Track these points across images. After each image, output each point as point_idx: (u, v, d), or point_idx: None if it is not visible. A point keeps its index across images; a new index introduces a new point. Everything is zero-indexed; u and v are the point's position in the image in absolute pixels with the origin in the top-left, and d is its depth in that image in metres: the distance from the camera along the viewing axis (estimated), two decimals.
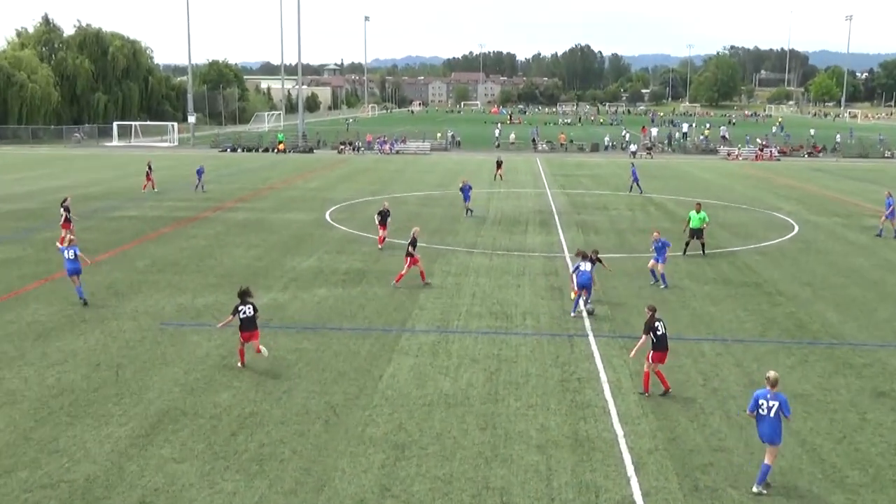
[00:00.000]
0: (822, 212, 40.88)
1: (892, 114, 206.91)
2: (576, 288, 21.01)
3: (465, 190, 37.92)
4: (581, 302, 21.08)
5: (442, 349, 18.01)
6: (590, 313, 20.84)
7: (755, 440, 13.40)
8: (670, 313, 20.81)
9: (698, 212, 28.31)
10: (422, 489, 11.63)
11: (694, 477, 12.13)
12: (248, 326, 16.37)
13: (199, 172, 46.81)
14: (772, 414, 11.62)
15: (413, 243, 23.68)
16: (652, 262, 24.33)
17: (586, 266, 20.71)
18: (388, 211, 29.73)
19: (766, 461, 11.71)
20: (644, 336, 15.49)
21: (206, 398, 14.97)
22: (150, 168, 46.93)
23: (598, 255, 22.18)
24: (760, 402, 11.70)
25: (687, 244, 28.33)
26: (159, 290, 23.10)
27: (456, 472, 12.17)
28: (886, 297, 23.26)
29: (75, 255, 21.38)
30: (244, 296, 16.54)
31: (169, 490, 11.50)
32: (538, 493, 11.57)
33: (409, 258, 23.64)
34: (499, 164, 54.55)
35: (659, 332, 15.27)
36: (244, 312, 16.36)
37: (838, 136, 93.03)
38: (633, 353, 16.07)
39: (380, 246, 29.45)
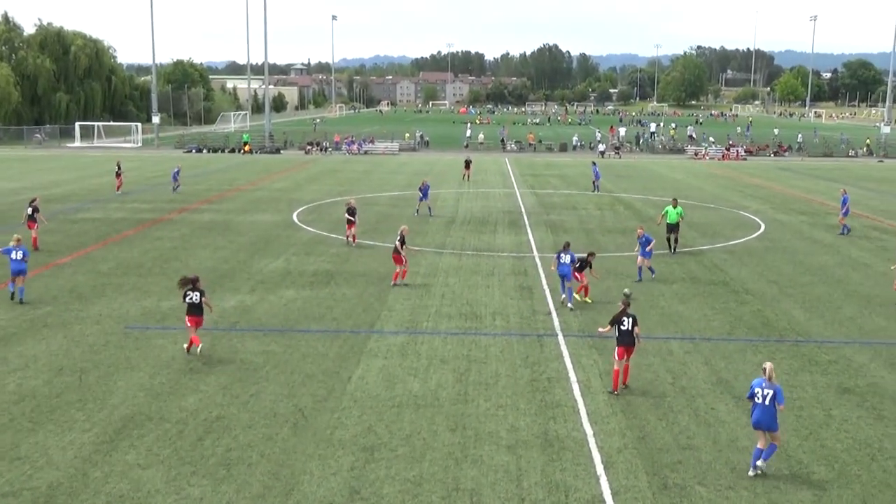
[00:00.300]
0: (788, 210, 41.38)
1: (855, 114, 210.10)
2: (571, 280, 21.79)
3: (425, 190, 38.31)
4: (571, 295, 21.74)
5: (411, 350, 17.93)
6: (564, 304, 21.37)
7: (723, 438, 13.52)
8: (639, 312, 20.80)
9: (675, 207, 28.83)
10: (391, 491, 11.55)
11: (663, 475, 12.16)
12: (195, 312, 17.22)
13: (175, 174, 46.58)
14: (766, 402, 12.10)
15: (402, 241, 23.65)
16: (640, 258, 24.68)
17: (566, 258, 21.35)
18: (354, 208, 30.06)
19: (759, 445, 12.23)
20: (608, 326, 15.59)
21: (171, 402, 14.76)
22: (119, 168, 46.69)
23: (592, 258, 22.35)
24: (756, 389, 12.21)
25: (668, 240, 28.69)
26: (124, 293, 22.78)
27: (426, 473, 12.10)
28: (851, 295, 23.55)
29: (24, 255, 21.15)
30: (193, 283, 17.38)
31: (134, 496, 11.31)
32: (508, 493, 11.53)
33: (397, 255, 23.66)
34: (467, 165, 54.56)
35: (623, 328, 15.33)
36: (192, 298, 17.18)
37: (800, 135, 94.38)
38: (599, 329, 16.12)
39: (353, 243, 29.74)
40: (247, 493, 11.46)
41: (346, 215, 29.91)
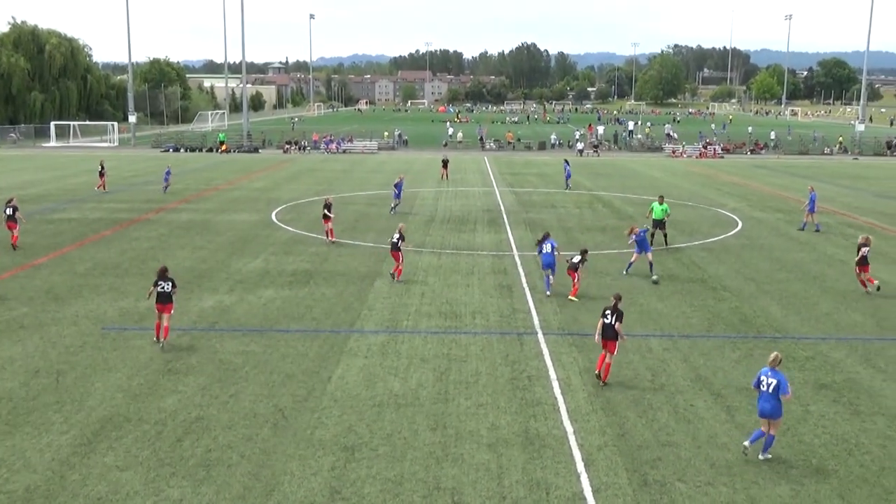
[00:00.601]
0: (765, 208, 41.70)
1: (830, 111, 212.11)
2: (543, 268, 23.02)
3: (399, 186, 38.84)
4: (549, 283, 22.76)
5: (391, 349, 17.91)
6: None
7: (702, 434, 13.61)
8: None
9: (661, 203, 29.67)
10: (372, 491, 11.53)
11: (643, 472, 12.22)
12: (164, 300, 17.87)
13: (167, 174, 46.49)
14: (770, 390, 12.54)
15: (402, 238, 24.24)
16: (636, 255, 25.10)
17: (547, 247, 22.42)
18: (331, 204, 30.54)
19: (765, 430, 12.69)
20: (601, 319, 15.94)
21: (150, 404, 14.65)
22: (102, 168, 46.76)
23: (585, 255, 22.72)
24: (762, 378, 12.72)
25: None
26: (101, 293, 22.59)
27: (407, 472, 12.09)
28: (827, 291, 23.78)
29: None
30: (163, 273, 18.03)
31: (112, 499, 11.22)
32: (489, 491, 11.55)
33: (396, 253, 24.24)
34: (444, 164, 54.48)
35: (605, 321, 15.64)
36: (163, 287, 17.82)
37: (773, 133, 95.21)
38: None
39: (332, 239, 30.05)
40: (227, 494, 11.40)
41: (324, 210, 30.22)
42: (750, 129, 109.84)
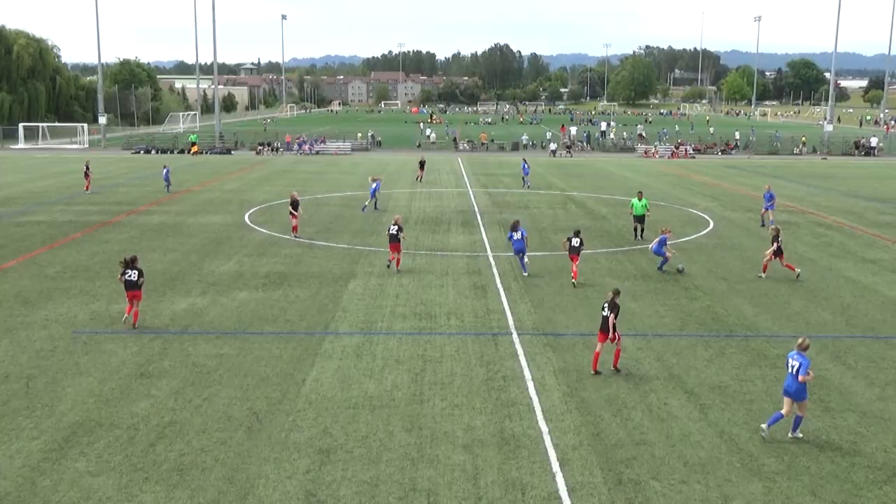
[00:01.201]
0: (736, 207, 42.09)
1: (799, 112, 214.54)
2: (515, 253, 25.42)
3: (375, 186, 39.77)
4: (525, 264, 25.10)
5: (366, 351, 17.87)
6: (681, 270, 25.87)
7: (676, 433, 13.71)
8: (593, 309, 21.12)
9: (640, 199, 31.31)
10: (348, 493, 11.50)
11: (618, 471, 12.29)
12: (131, 287, 19.27)
13: (167, 172, 46.94)
14: (794, 371, 13.23)
15: (400, 228, 25.56)
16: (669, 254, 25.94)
17: (518, 235, 24.71)
18: (297, 201, 31.82)
19: (782, 410, 13.42)
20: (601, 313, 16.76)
21: (122, 408, 14.51)
22: (87, 168, 46.95)
23: (579, 234, 24.61)
24: (788, 360, 13.48)
25: (635, 229, 31.31)
26: (71, 297, 22.34)
27: (382, 474, 12.06)
28: (797, 290, 24.05)
29: None
30: (131, 262, 19.31)
31: None
32: (465, 492, 11.55)
33: (396, 244, 25.57)
34: (421, 166, 54.41)
35: (603, 314, 16.48)
36: (129, 275, 19.14)
37: (737, 133, 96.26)
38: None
39: (295, 234, 31.24)
40: (201, 498, 11.31)
41: (290, 207, 31.40)
42: (712, 129, 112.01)
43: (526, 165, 51.55)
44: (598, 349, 16.61)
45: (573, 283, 23.95)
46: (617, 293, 16.69)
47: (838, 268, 26.99)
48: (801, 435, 13.52)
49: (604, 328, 16.43)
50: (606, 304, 16.49)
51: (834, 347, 18.53)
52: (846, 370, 16.99)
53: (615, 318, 16.32)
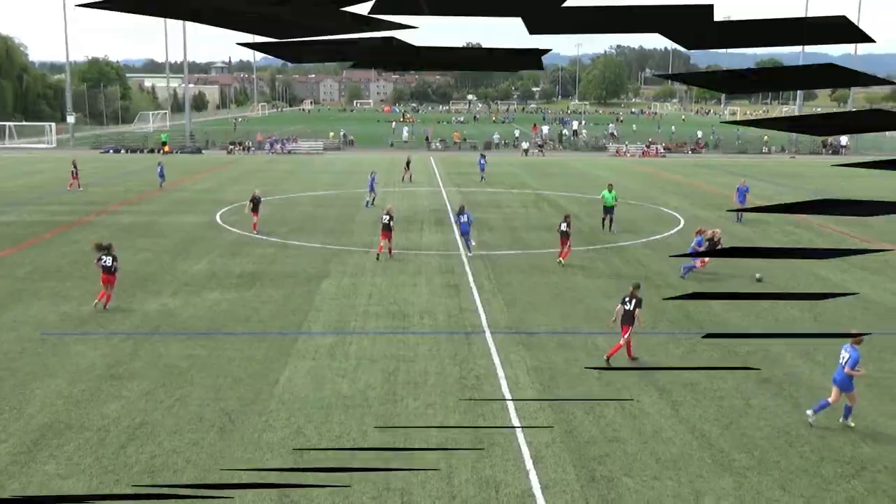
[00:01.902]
0: (706, 206, 42.46)
1: (768, 111, 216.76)
2: (460, 235, 28.87)
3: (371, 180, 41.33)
4: (471, 245, 27.90)
5: (339, 351, 17.83)
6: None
7: (648, 429, 13.82)
8: (566, 307, 21.25)
9: (610, 191, 32.58)
10: (322, 493, 11.47)
11: (591, 468, 12.37)
12: (106, 272, 20.37)
13: (161, 170, 48.01)
14: (843, 363, 13.67)
15: (391, 218, 27.33)
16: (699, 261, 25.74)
17: (464, 218, 27.48)
18: (259, 198, 32.76)
19: (830, 399, 13.84)
20: (619, 305, 17.40)
21: (92, 410, 14.37)
22: (74, 167, 47.11)
23: (569, 218, 27.00)
24: (841, 351, 13.95)
25: (604, 220, 32.76)
26: (41, 298, 22.07)
27: (356, 474, 12.04)
28: (766, 287, 24.32)
29: None
30: (107, 249, 20.43)
31: None
32: (439, 491, 11.57)
33: (388, 233, 27.33)
34: (407, 165, 54.14)
35: (626, 308, 17.02)
36: (104, 261, 20.23)
37: (699, 132, 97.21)
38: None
39: (255, 231, 31.80)
40: (172, 499, 11.21)
41: (250, 204, 32.23)
42: (673, 128, 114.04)
43: (482, 161, 54.71)
44: (622, 341, 17.08)
45: (559, 261, 26.32)
46: (637, 287, 17.38)
47: (808, 265, 27.33)
48: (852, 424, 13.93)
49: (626, 321, 16.98)
50: (627, 298, 17.09)
51: (802, 344, 18.75)
52: (815, 366, 17.21)
53: (639, 309, 16.98)
